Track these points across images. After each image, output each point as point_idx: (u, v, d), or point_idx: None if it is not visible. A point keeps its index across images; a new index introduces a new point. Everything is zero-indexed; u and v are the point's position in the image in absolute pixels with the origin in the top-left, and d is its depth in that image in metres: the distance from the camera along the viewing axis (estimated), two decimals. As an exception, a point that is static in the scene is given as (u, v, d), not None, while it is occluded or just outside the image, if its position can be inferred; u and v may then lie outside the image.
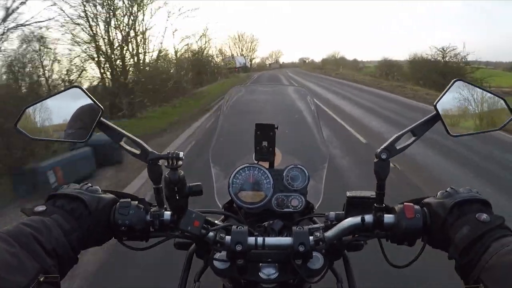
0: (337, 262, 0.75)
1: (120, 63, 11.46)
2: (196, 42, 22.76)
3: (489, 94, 0.69)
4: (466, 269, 0.53)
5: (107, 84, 11.60)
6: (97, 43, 11.02)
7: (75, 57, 10.72)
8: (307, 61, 76.14)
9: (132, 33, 11.84)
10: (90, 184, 0.65)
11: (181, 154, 0.61)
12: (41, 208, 0.58)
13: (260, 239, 0.65)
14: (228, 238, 0.64)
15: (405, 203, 0.64)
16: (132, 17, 11.67)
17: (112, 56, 11.19)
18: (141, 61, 12.71)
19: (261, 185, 0.78)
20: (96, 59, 11.14)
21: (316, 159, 0.89)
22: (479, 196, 0.59)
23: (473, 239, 0.52)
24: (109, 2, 10.97)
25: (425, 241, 0.64)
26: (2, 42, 7.61)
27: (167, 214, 0.65)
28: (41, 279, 0.47)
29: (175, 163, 0.60)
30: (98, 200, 0.62)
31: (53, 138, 0.67)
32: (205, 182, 0.69)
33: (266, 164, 0.81)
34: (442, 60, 20.76)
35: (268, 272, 0.68)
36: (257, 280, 0.69)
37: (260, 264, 0.68)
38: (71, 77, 10.40)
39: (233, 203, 0.79)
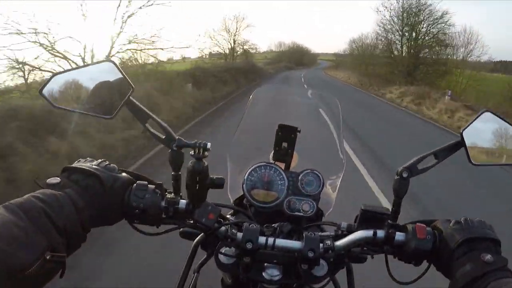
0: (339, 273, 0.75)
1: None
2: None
3: None
4: None
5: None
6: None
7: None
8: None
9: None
10: (108, 162, 0.64)
11: (209, 145, 0.60)
12: (54, 180, 0.56)
13: (270, 240, 0.65)
14: (239, 234, 0.64)
15: (417, 224, 0.65)
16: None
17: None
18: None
19: (274, 186, 0.78)
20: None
21: (333, 167, 0.90)
22: (490, 235, 0.60)
23: (474, 277, 0.54)
24: None
25: (431, 262, 0.65)
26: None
27: (183, 202, 0.64)
28: (48, 257, 0.46)
29: (201, 152, 0.60)
30: (115, 179, 0.60)
31: (78, 109, 0.66)
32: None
33: (283, 166, 0.81)
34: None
35: (271, 273, 0.68)
36: (259, 280, 0.69)
37: (265, 264, 0.69)
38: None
39: (243, 199, 0.79)
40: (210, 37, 27.64)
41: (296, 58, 53.16)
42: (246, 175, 0.78)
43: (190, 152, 0.62)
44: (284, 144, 0.80)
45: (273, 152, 0.81)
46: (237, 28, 30.00)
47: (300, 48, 59.39)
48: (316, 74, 36.29)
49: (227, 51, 29.23)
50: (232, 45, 29.77)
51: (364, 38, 35.90)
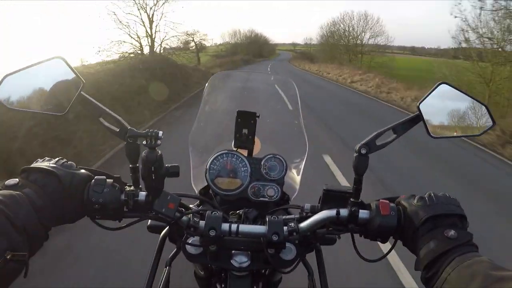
0: (309, 255, 0.75)
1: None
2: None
3: (471, 100, 0.70)
4: (430, 280, 0.54)
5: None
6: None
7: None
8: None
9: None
10: (65, 159, 0.64)
11: (160, 133, 0.60)
12: (12, 181, 0.56)
13: (234, 226, 0.65)
14: (202, 223, 0.64)
15: (380, 200, 0.65)
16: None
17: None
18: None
19: (238, 173, 0.78)
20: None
21: (295, 150, 0.89)
22: (454, 210, 0.59)
23: (438, 254, 0.54)
24: None
25: (397, 239, 0.65)
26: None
27: (142, 194, 0.64)
28: (8, 257, 0.46)
29: (153, 142, 0.60)
30: (73, 176, 0.61)
31: (31, 109, 0.65)
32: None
33: (245, 152, 0.81)
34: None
35: (240, 260, 0.68)
36: (228, 268, 0.69)
37: (233, 251, 0.68)
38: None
39: (209, 189, 0.79)
40: (115, 21, 15.52)
41: (254, 49, 44.92)
42: (209, 164, 0.77)
43: (143, 142, 0.61)
44: (245, 131, 0.80)
45: (234, 139, 0.81)
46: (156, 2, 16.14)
47: (258, 38, 50.82)
48: (289, 71, 26.11)
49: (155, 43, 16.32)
50: (150, 30, 16.38)
51: (348, 18, 28.15)
